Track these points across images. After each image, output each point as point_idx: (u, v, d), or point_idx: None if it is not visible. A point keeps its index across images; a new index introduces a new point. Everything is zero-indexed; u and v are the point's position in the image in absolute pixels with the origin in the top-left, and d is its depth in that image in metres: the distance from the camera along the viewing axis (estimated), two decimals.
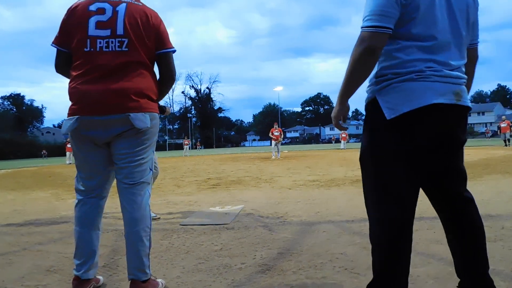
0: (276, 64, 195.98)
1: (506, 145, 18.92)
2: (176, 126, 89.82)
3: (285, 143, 71.54)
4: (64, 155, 21.57)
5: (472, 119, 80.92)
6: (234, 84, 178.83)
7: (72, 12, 1.97)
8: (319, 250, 2.67)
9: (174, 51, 2.11)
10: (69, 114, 1.94)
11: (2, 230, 3.80)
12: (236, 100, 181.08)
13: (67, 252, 2.74)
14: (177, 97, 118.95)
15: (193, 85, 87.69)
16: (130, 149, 1.96)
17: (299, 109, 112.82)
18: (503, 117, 20.97)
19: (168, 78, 2.10)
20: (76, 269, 1.99)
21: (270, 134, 18.15)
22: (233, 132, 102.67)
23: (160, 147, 62.79)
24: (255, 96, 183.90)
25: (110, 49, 1.91)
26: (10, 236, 3.46)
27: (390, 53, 1.57)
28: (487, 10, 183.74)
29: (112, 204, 5.13)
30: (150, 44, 1.99)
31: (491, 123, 76.46)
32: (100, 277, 2.19)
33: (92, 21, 1.92)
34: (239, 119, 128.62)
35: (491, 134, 37.99)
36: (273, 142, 18.00)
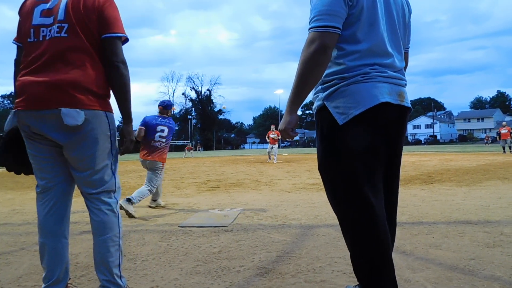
0: (277, 67, 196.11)
1: (504, 152, 18.74)
2: (176, 128, 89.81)
3: (285, 146, 71.56)
4: None
5: (471, 125, 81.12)
6: (235, 86, 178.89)
7: (22, 5, 1.87)
8: (318, 253, 2.67)
9: (122, 38, 1.82)
10: (13, 108, 1.78)
11: (0, 229, 3.79)
12: (236, 103, 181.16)
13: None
14: (177, 98, 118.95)
15: (194, 86, 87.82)
16: (78, 153, 1.76)
17: (299, 113, 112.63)
18: (504, 123, 20.55)
19: (110, 68, 1.79)
20: (43, 284, 1.83)
21: (266, 137, 17.99)
22: (233, 135, 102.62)
23: None
24: (255, 98, 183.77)
25: (51, 36, 1.73)
26: (8, 236, 3.45)
27: (335, 59, 1.58)
28: (488, 16, 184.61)
29: None
30: (92, 28, 1.75)
31: (490, 129, 76.55)
32: None
33: (38, 10, 1.78)
34: (239, 122, 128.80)
35: (490, 141, 38.22)
36: (269, 145, 17.77)
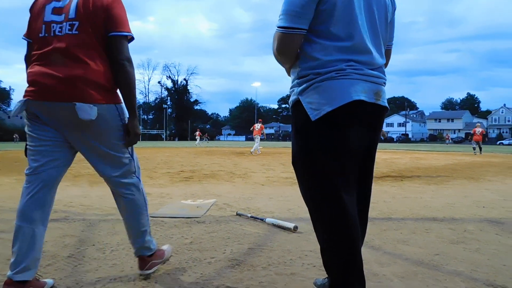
0: (256, 59, 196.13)
1: (475, 153, 18.97)
2: (150, 116, 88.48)
3: (261, 139, 71.69)
4: None
5: (442, 125, 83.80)
6: (213, 77, 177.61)
7: (34, 3, 1.96)
8: (289, 246, 2.70)
9: (127, 37, 1.92)
10: (23, 97, 1.86)
11: None
12: (213, 94, 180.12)
13: None
14: (153, 86, 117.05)
15: (170, 75, 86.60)
16: (95, 144, 1.89)
17: (275, 106, 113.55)
18: (478, 124, 20.61)
19: (115, 66, 1.88)
20: (9, 271, 1.79)
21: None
22: (208, 126, 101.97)
23: None
24: (233, 90, 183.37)
25: (62, 33, 1.83)
26: None
27: (311, 53, 1.57)
28: (462, 21, 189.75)
29: (81, 193, 5.02)
30: (100, 26, 1.84)
31: (459, 130, 79.20)
32: (48, 280, 1.93)
33: (49, 7, 1.88)
34: (215, 113, 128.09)
35: (450, 141, 40.45)
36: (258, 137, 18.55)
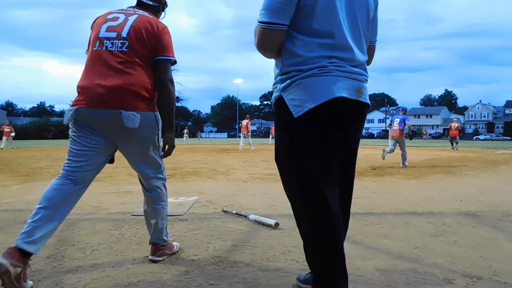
0: (238, 56, 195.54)
1: (452, 148, 19.25)
2: None
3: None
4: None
5: (421, 121, 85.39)
6: (194, 74, 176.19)
7: (94, 21, 2.26)
8: (272, 242, 2.71)
9: (171, 60, 2.22)
10: (72, 105, 2.07)
11: None
12: (195, 91, 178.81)
13: (8, 242, 2.58)
14: None
15: None
16: (135, 148, 2.17)
17: (257, 103, 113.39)
18: (454, 119, 20.37)
19: (159, 84, 2.17)
20: (19, 237, 1.85)
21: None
22: (190, 123, 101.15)
23: None
24: (214, 87, 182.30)
25: (114, 49, 2.09)
26: None
27: (293, 50, 1.58)
28: (440, 19, 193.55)
29: None
30: (150, 49, 2.14)
31: (437, 125, 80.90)
32: (30, 282, 1.89)
33: (105, 26, 2.16)
34: (196, 110, 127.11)
35: (428, 137, 42.17)
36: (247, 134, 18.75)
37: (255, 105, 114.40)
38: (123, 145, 2.16)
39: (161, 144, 2.27)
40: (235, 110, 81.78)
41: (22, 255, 1.81)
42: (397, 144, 9.62)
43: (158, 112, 2.20)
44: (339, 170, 1.70)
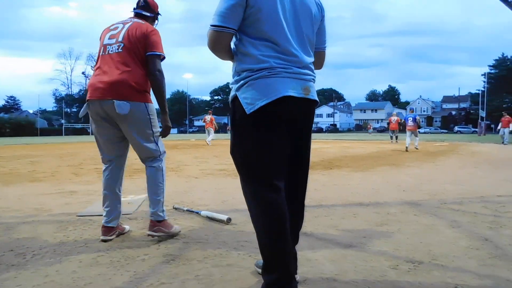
0: (188, 51, 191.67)
1: (392, 141, 20.07)
2: (74, 110, 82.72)
3: (192, 132, 70.96)
4: None
5: (366, 115, 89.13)
6: None
7: (102, 32, 2.76)
8: (225, 238, 2.70)
9: (159, 56, 2.63)
10: (86, 101, 2.62)
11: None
12: None
13: None
14: (76, 78, 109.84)
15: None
16: (130, 132, 2.61)
17: (208, 98, 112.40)
18: (394, 113, 21.11)
19: (150, 76, 2.61)
20: (103, 220, 2.68)
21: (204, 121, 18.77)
22: None
23: (56, 132, 57.21)
24: None
25: (113, 51, 2.59)
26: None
27: (244, 50, 1.76)
28: (384, 18, 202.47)
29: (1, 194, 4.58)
30: (141, 48, 2.59)
31: (382, 119, 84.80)
32: (126, 226, 2.91)
33: (108, 34, 2.68)
34: None
35: (372, 130, 46.13)
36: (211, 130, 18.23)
37: (205, 100, 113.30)
38: (123, 129, 2.63)
39: (156, 130, 2.70)
40: (185, 105, 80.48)
41: (112, 228, 2.72)
42: (412, 134, 13.55)
43: (150, 103, 2.64)
44: (291, 164, 1.82)
